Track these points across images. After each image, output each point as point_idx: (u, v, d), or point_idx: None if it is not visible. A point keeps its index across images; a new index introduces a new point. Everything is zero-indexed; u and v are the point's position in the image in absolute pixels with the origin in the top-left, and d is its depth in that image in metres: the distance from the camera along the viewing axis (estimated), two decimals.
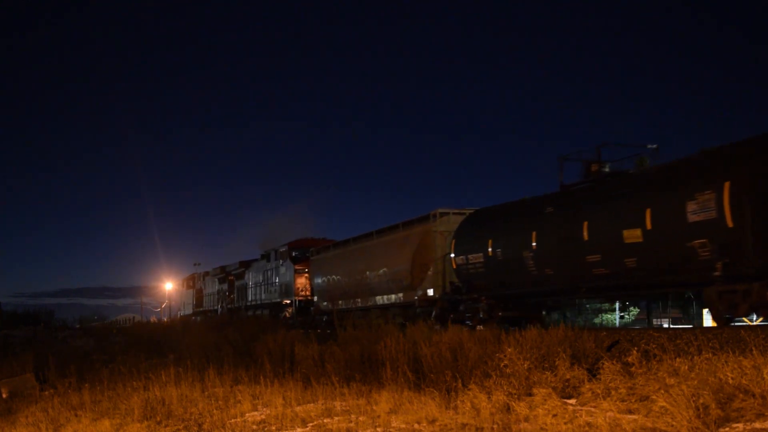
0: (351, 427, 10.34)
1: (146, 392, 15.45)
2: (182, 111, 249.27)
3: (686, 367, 9.53)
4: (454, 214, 22.59)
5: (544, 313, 20.04)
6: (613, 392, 9.67)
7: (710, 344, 10.45)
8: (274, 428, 11.40)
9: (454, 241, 20.85)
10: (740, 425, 7.78)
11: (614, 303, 19.74)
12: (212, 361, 19.21)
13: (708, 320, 17.62)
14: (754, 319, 17.20)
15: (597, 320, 20.98)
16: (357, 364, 15.12)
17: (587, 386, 10.39)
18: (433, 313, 21.74)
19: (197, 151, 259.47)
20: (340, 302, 27.98)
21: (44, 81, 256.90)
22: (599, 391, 9.91)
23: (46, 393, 20.21)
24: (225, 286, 46.02)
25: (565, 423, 8.70)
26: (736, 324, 14.46)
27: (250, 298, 40.51)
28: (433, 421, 9.98)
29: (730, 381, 8.61)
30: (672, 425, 7.91)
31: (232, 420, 12.22)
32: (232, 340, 23.06)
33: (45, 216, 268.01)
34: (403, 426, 10.03)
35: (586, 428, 8.42)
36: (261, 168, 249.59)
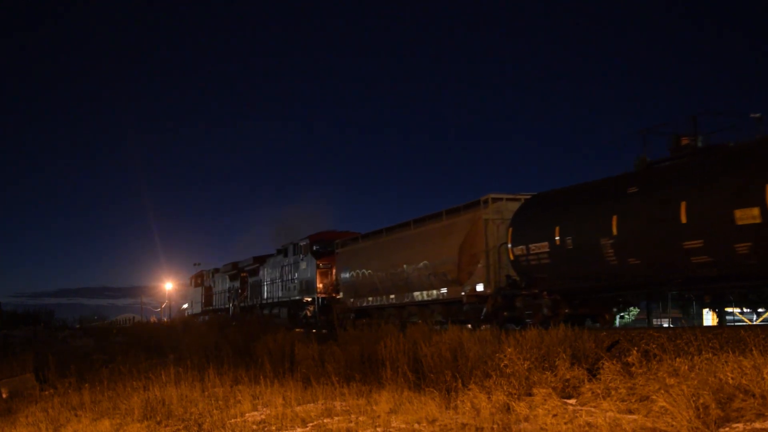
0: (351, 427, 10.35)
1: (146, 392, 15.46)
2: (182, 111, 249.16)
3: (686, 367, 9.53)
4: (507, 200, 20.26)
5: (615, 309, 18.11)
6: (613, 392, 9.66)
7: (710, 344, 10.44)
8: (274, 428, 11.41)
9: (511, 229, 18.52)
10: (740, 425, 7.78)
11: (710, 298, 16.35)
12: (212, 361, 19.22)
13: (708, 320, 17.64)
14: (754, 319, 17.21)
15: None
16: (357, 364, 15.13)
17: (587, 386, 10.39)
18: (484, 311, 19.72)
19: (197, 151, 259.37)
20: (370, 299, 26.18)
21: (44, 81, 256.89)
22: (599, 391, 9.91)
23: (46, 393, 20.22)
24: (236, 284, 43.54)
25: (565, 423, 8.70)
26: (736, 324, 14.48)
27: (265, 296, 38.23)
28: (433, 421, 9.98)
29: (730, 381, 8.61)
30: (672, 425, 7.91)
31: (232, 420, 12.23)
32: (232, 340, 23.06)
33: (45, 216, 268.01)
34: (403, 426, 10.04)
35: (586, 428, 8.43)
36: (261, 168, 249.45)
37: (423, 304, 23.10)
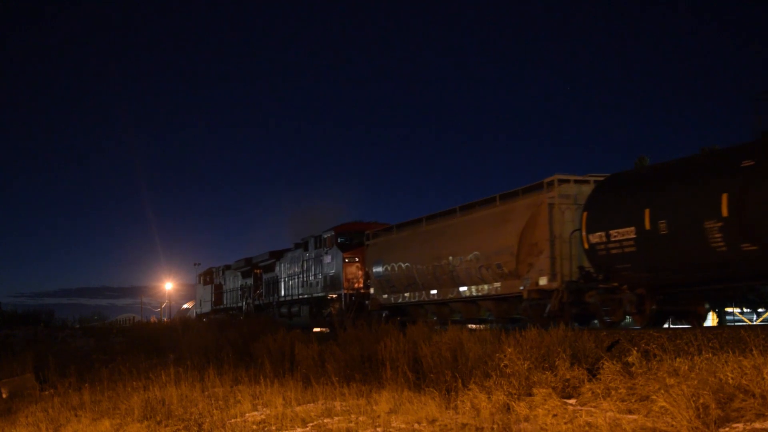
0: (351, 427, 10.35)
1: (146, 392, 15.47)
2: (183, 111, 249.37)
3: (686, 367, 9.53)
4: (575, 181, 18.07)
5: (707, 306, 16.07)
6: (613, 392, 9.66)
7: (710, 344, 10.44)
8: (274, 428, 11.41)
9: (586, 213, 16.32)
10: (740, 425, 7.78)
11: None
12: (212, 361, 19.23)
13: (708, 320, 17.62)
14: (754, 319, 17.20)
15: None
16: (357, 364, 15.13)
17: (587, 386, 10.39)
18: (547, 308, 17.62)
19: (197, 151, 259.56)
20: (406, 295, 23.93)
21: (44, 81, 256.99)
22: (599, 391, 9.91)
23: (46, 393, 20.24)
24: (250, 281, 40.91)
25: (565, 423, 8.71)
26: (736, 324, 14.47)
27: (283, 293, 35.48)
28: (433, 421, 9.99)
29: (730, 381, 8.61)
30: (672, 425, 7.91)
31: (232, 420, 12.23)
32: (232, 340, 23.06)
33: (45, 216, 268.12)
34: (403, 426, 10.04)
35: (586, 428, 8.43)
36: (261, 168, 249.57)
37: (470, 300, 21.10)
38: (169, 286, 75.30)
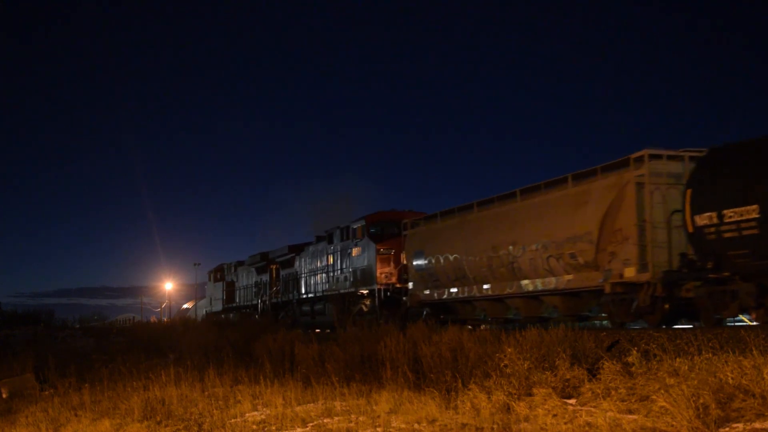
0: (351, 427, 10.34)
1: (146, 392, 15.46)
2: (182, 111, 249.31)
3: (686, 367, 9.53)
4: (669, 157, 15.79)
5: None
6: (613, 392, 9.67)
7: (710, 344, 10.44)
8: (274, 428, 11.41)
9: (690, 191, 14.24)
10: (740, 425, 7.78)
11: None
12: (212, 361, 19.23)
13: None
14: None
15: None
16: (357, 364, 15.13)
17: (587, 386, 10.39)
18: (635, 304, 15.58)
19: (198, 151, 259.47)
20: (453, 290, 21.59)
21: (44, 81, 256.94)
22: (599, 391, 9.91)
23: (46, 393, 20.23)
24: (265, 277, 38.18)
25: (565, 423, 8.71)
26: (736, 324, 14.44)
27: (304, 290, 32.82)
28: (433, 421, 9.98)
29: (730, 381, 8.61)
30: (672, 425, 7.91)
31: (232, 420, 12.23)
32: (232, 340, 23.06)
33: (45, 216, 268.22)
34: (403, 426, 10.03)
35: (586, 428, 8.43)
36: (261, 167, 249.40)
37: (532, 296, 18.92)
38: (169, 286, 75.43)
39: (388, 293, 25.76)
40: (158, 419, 13.40)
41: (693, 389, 8.30)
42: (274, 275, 37.34)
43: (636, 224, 15.59)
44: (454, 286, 21.62)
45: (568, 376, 10.96)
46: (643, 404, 8.84)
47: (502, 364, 11.61)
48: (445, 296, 22.09)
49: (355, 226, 27.94)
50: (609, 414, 8.69)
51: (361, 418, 10.76)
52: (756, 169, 13.32)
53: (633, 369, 10.23)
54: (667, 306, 15.09)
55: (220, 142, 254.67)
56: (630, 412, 8.85)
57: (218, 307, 46.24)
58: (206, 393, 15.19)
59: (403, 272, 25.09)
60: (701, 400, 8.07)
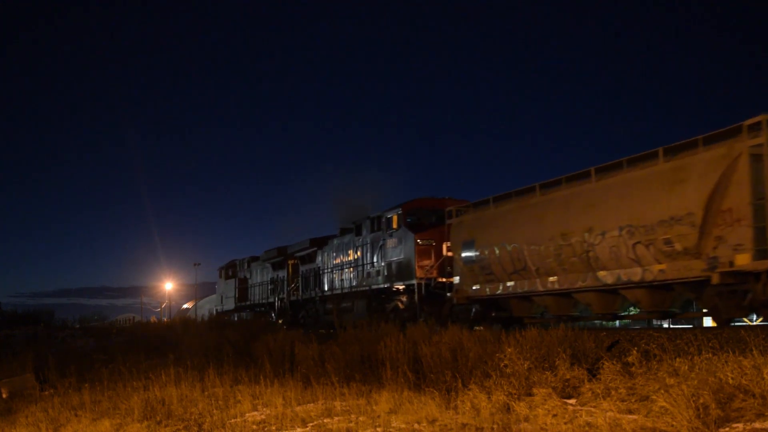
0: (351, 427, 10.35)
1: (146, 392, 15.47)
2: (183, 111, 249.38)
3: (686, 367, 9.54)
4: None
5: None
6: (613, 392, 9.68)
7: (710, 344, 10.45)
8: (274, 428, 11.41)
9: None
10: (740, 425, 7.78)
11: None
12: (212, 361, 19.22)
13: (708, 320, 17.59)
14: (754, 319, 17.19)
15: None
16: (357, 364, 15.14)
17: (587, 386, 10.40)
18: (748, 297, 13.59)
19: (198, 151, 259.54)
20: (510, 284, 19.33)
21: (45, 81, 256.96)
22: (599, 391, 9.91)
23: (46, 393, 20.22)
24: (283, 273, 35.69)
25: (565, 423, 8.71)
26: (736, 324, 14.44)
27: (327, 287, 30.45)
28: (433, 421, 9.98)
29: (730, 381, 8.62)
30: (672, 425, 7.91)
31: (232, 420, 12.23)
32: (232, 340, 23.06)
33: (45, 216, 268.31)
34: (403, 426, 10.03)
35: (586, 428, 8.43)
36: (262, 168, 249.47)
37: (609, 290, 16.61)
38: (169, 286, 75.47)
39: (430, 288, 23.36)
40: (158, 419, 13.41)
41: (693, 389, 8.30)
42: (290, 271, 35.22)
43: (751, 203, 13.42)
44: (510, 280, 19.39)
45: (568, 376, 10.97)
46: (643, 404, 8.85)
47: (502, 364, 11.62)
48: (499, 291, 19.88)
49: (389, 216, 25.52)
50: (609, 414, 8.69)
51: (361, 418, 10.76)
52: None
53: (633, 369, 10.24)
54: None
55: (221, 141, 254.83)
56: (630, 412, 8.86)
57: (230, 305, 43.96)
58: (206, 393, 15.18)
59: (446, 265, 22.74)
60: (701, 400, 8.08)
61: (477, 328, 17.98)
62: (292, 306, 34.31)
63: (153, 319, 63.28)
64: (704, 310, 15.35)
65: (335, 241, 30.19)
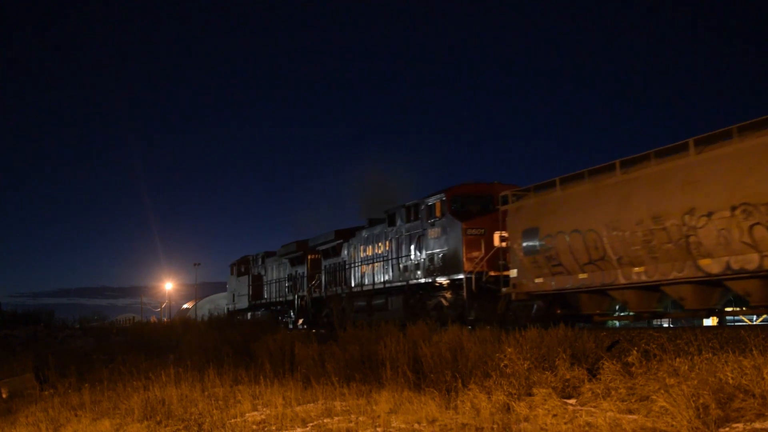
0: (351, 427, 10.35)
1: (146, 392, 15.46)
2: (183, 111, 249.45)
3: (686, 367, 9.54)
4: None
5: None
6: (613, 392, 9.68)
7: (710, 344, 10.46)
8: (274, 428, 11.41)
9: None
10: (740, 425, 7.78)
11: None
12: (212, 361, 19.23)
13: (708, 320, 17.61)
14: (754, 319, 17.21)
15: None
16: (357, 364, 15.14)
17: (587, 386, 10.40)
18: None
19: (198, 151, 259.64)
20: (582, 276, 16.78)
21: (45, 81, 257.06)
22: (599, 391, 9.92)
23: (46, 393, 20.22)
24: (302, 269, 33.23)
25: (565, 423, 8.71)
26: (736, 324, 14.45)
27: (354, 282, 28.05)
28: (433, 421, 9.99)
29: (730, 381, 8.62)
30: (672, 425, 7.91)
31: (232, 420, 12.23)
32: (231, 340, 23.06)
33: (45, 216, 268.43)
34: (403, 426, 10.04)
35: (586, 428, 8.43)
36: (261, 168, 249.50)
37: (710, 281, 14.22)
38: (169, 286, 75.51)
39: (480, 283, 20.74)
40: (158, 419, 13.41)
41: (693, 389, 8.31)
42: (309, 266, 32.82)
43: None
44: (583, 272, 16.87)
45: (568, 376, 10.97)
46: (643, 404, 8.85)
47: (502, 364, 11.62)
48: (568, 285, 17.31)
49: (431, 203, 23.04)
50: (609, 414, 8.69)
51: (361, 418, 10.76)
52: None
53: (633, 369, 10.24)
54: None
55: (221, 141, 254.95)
56: (630, 412, 8.86)
57: (243, 304, 41.36)
58: (206, 393, 15.18)
59: (499, 257, 20.42)
60: (701, 400, 8.08)
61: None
62: (315, 303, 31.91)
63: (153, 319, 63.32)
64: None
65: (364, 233, 27.71)
